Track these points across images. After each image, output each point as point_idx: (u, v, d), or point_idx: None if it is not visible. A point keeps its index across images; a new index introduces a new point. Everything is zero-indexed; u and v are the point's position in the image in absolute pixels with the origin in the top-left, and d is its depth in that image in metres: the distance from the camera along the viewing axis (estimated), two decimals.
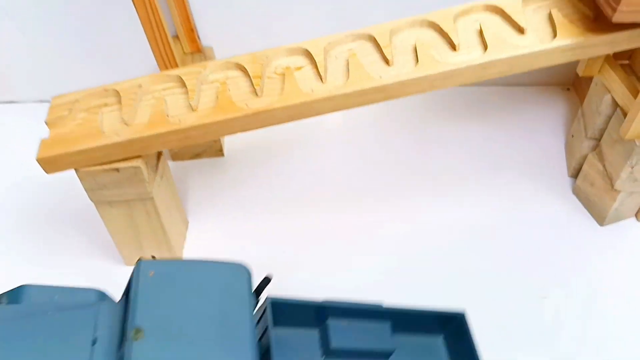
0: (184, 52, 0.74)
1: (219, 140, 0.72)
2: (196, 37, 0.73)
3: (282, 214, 0.67)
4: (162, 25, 0.60)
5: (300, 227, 0.66)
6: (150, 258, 0.61)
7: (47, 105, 0.55)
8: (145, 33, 0.60)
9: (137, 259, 0.40)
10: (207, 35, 0.75)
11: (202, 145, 0.72)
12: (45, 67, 0.78)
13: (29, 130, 0.77)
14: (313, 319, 0.44)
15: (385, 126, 0.76)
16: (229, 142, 0.76)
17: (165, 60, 0.63)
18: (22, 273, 0.61)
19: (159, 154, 0.57)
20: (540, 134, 0.73)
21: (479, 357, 0.44)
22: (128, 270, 0.59)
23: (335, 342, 0.43)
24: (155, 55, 0.63)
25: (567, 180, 0.68)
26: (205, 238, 0.65)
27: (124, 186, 0.53)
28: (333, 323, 0.43)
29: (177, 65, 0.64)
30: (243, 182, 0.71)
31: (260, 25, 0.75)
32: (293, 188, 0.70)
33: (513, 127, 0.75)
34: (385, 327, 0.44)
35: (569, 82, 0.77)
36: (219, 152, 0.73)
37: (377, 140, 0.74)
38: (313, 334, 0.44)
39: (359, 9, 0.73)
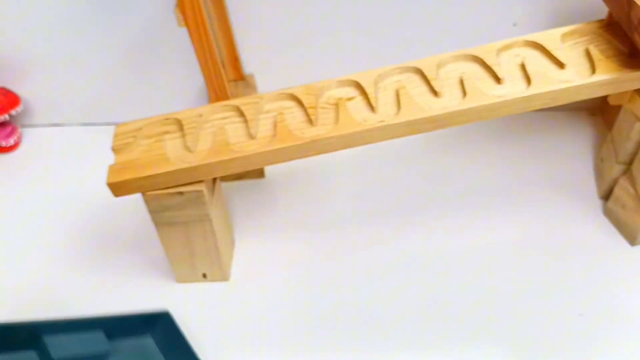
0: (227, 80, 0.78)
1: None
2: (240, 65, 0.77)
3: (321, 234, 0.70)
4: (214, 53, 0.63)
5: (340, 247, 0.68)
6: (202, 276, 0.65)
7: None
8: (199, 61, 0.63)
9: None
10: (248, 62, 0.79)
11: None
12: (90, 91, 0.82)
13: (75, 152, 0.83)
14: (29, 340, 0.49)
15: (417, 150, 0.79)
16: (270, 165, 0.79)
17: (216, 87, 0.66)
18: (78, 287, 0.65)
19: (215, 178, 0.60)
20: (568, 157, 0.76)
21: (192, 351, 0.51)
22: (180, 288, 0.64)
23: (55, 355, 0.48)
24: (207, 82, 0.66)
25: (597, 202, 0.70)
26: (250, 257, 0.68)
27: (186, 208, 0.56)
28: (50, 339, 0.49)
29: (227, 93, 0.67)
30: (283, 203, 0.74)
31: (299, 54, 0.79)
32: (331, 209, 0.73)
33: (541, 150, 0.78)
34: (99, 335, 0.52)
35: (595, 108, 0.81)
36: (260, 174, 0.77)
37: (410, 163, 0.77)
38: (32, 356, 0.49)
39: (389, 43, 0.77)
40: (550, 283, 0.63)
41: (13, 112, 0.77)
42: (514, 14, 0.74)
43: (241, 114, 0.57)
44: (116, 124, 0.58)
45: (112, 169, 0.55)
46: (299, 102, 0.57)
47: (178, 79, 0.79)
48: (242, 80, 0.78)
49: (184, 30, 0.72)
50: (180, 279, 0.65)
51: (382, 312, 0.62)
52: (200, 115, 0.57)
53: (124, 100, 0.82)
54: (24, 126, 0.84)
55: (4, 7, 0.73)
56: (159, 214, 0.57)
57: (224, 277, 0.65)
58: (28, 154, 0.82)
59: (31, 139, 0.84)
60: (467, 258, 0.66)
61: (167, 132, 0.57)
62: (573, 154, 0.77)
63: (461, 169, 0.77)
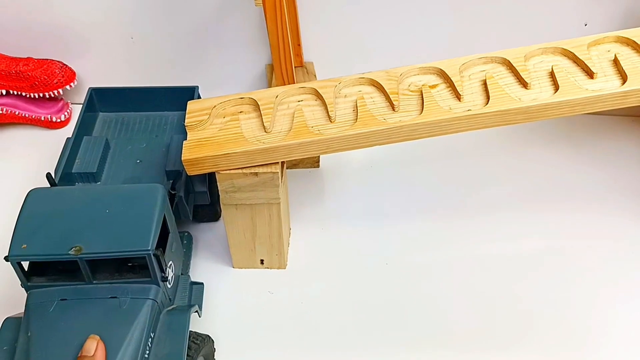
0: None
1: None
2: (301, 52, 0.76)
3: (374, 227, 0.68)
4: (287, 35, 0.62)
5: (391, 242, 0.67)
6: (259, 262, 0.64)
7: None
8: (270, 42, 0.62)
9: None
10: (308, 49, 0.78)
11: None
12: (143, 70, 0.80)
13: None
14: None
15: (471, 148, 0.77)
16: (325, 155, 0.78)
17: (284, 71, 0.65)
18: None
19: (283, 162, 0.59)
20: (621, 162, 0.74)
21: None
22: (235, 272, 0.62)
23: None
24: (274, 65, 0.64)
25: None
26: (305, 246, 0.67)
27: (258, 190, 0.54)
28: None
29: (293, 77, 0.66)
30: (338, 193, 0.73)
31: (358, 43, 0.78)
32: (385, 202, 0.71)
33: (592, 155, 0.75)
34: None
35: None
36: (316, 164, 0.75)
37: (464, 161, 0.76)
38: None
39: (453, 37, 0.76)
40: (610, 288, 0.62)
41: (67, 87, 0.76)
42: (585, 14, 0.74)
43: (318, 96, 0.56)
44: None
45: (187, 146, 0.53)
46: (379, 88, 0.55)
47: (238, 62, 0.77)
48: (301, 66, 0.77)
49: (249, 12, 0.73)
50: (238, 264, 0.64)
51: (434, 310, 0.60)
52: (276, 96, 0.56)
53: (178, 80, 0.80)
54: (73, 103, 0.83)
55: None
56: (229, 195, 0.55)
57: (282, 265, 0.63)
58: None
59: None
60: (521, 262, 0.64)
61: (241, 112, 0.56)
62: (627, 160, 0.75)
63: (517, 169, 0.75)
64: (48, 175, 0.55)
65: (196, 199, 0.62)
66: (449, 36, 0.75)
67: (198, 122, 0.55)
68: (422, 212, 0.70)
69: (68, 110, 0.79)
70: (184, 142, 0.54)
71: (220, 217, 0.68)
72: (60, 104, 0.79)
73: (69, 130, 0.80)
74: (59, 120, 0.78)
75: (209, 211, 0.66)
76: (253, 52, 0.77)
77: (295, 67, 0.77)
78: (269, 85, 0.77)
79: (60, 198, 0.50)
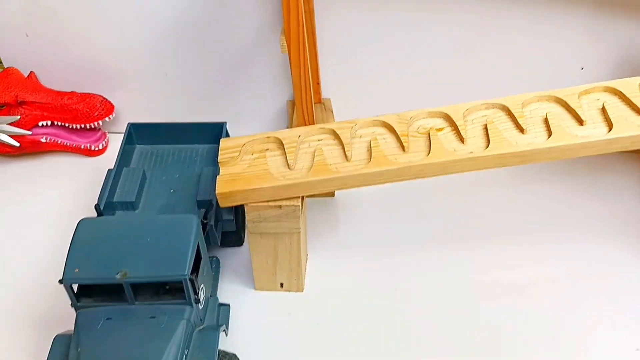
0: None
1: None
2: (320, 90, 0.82)
3: (387, 254, 0.73)
4: (308, 79, 0.68)
5: (404, 269, 0.72)
6: (279, 285, 0.69)
7: None
8: (294, 85, 0.68)
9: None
10: (326, 87, 0.85)
11: None
12: (175, 102, 0.88)
13: None
14: None
15: (484, 181, 0.82)
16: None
17: (305, 110, 0.71)
18: None
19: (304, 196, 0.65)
20: (620, 198, 0.79)
21: None
22: (257, 294, 0.68)
23: None
24: (296, 105, 0.70)
25: None
26: (321, 271, 0.72)
27: (282, 220, 0.61)
28: None
29: (313, 116, 0.72)
30: (351, 222, 0.78)
31: (373, 82, 0.84)
32: (398, 231, 0.76)
33: (592, 191, 0.80)
34: None
35: None
36: (331, 193, 0.81)
37: (477, 193, 0.81)
38: None
39: (459, 80, 0.82)
40: (606, 318, 0.66)
41: (106, 119, 0.83)
42: (582, 58, 0.79)
43: (336, 136, 0.62)
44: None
45: (220, 180, 0.60)
46: (391, 130, 0.62)
47: (261, 98, 0.84)
48: (319, 103, 0.83)
49: (272, 53, 0.80)
50: (260, 286, 0.70)
51: (448, 336, 0.65)
52: (299, 136, 0.62)
53: (207, 112, 0.87)
54: (110, 132, 0.90)
55: (107, 20, 0.79)
56: (256, 224, 0.61)
57: (299, 288, 0.69)
58: (113, 158, 0.84)
59: (117, 143, 0.89)
60: (525, 290, 0.69)
61: (268, 149, 0.62)
62: (626, 195, 0.80)
63: (520, 201, 0.79)
64: (96, 207, 0.61)
65: (224, 227, 0.69)
66: (455, 75, 0.81)
67: (230, 158, 0.62)
68: (430, 240, 0.75)
69: (105, 140, 0.87)
70: (218, 176, 0.60)
71: (243, 242, 0.74)
72: (99, 133, 0.87)
73: (105, 157, 0.88)
74: (97, 148, 0.85)
75: (234, 237, 0.72)
76: (276, 89, 0.84)
77: (314, 103, 0.84)
78: (290, 119, 0.84)
79: (106, 227, 0.57)
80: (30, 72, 0.83)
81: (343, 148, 0.61)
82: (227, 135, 0.78)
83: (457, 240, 0.75)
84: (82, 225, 0.56)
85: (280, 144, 0.62)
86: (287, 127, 0.85)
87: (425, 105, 0.81)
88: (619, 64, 0.79)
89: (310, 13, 0.74)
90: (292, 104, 0.85)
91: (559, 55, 0.79)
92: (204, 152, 0.76)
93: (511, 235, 0.76)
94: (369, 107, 0.84)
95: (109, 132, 0.89)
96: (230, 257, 0.74)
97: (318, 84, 0.81)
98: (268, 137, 0.63)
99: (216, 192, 0.58)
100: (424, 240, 0.76)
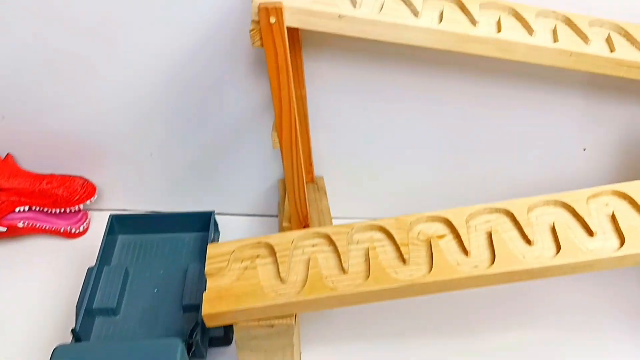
0: None
1: None
2: (313, 170, 0.79)
3: (379, 349, 0.70)
4: (301, 172, 0.65)
5: None
6: None
7: None
8: (286, 176, 0.65)
9: None
10: (319, 165, 0.81)
11: None
12: (159, 181, 0.83)
13: None
14: None
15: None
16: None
17: (297, 199, 0.67)
18: None
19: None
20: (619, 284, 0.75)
21: None
22: None
23: None
24: (288, 194, 0.67)
25: None
26: None
27: (273, 338, 0.57)
28: None
29: (306, 205, 0.68)
30: (345, 317, 0.73)
31: (366, 162, 0.80)
32: (391, 327, 0.72)
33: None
34: None
35: None
36: None
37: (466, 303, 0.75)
38: None
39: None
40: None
41: (88, 202, 0.79)
42: (584, 140, 0.77)
43: (331, 242, 0.59)
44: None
45: (207, 298, 0.55)
46: (390, 236, 0.58)
47: (251, 177, 0.81)
48: (312, 182, 0.80)
49: (262, 135, 0.77)
50: None
51: None
52: (292, 242, 0.59)
53: (194, 191, 0.83)
54: (92, 209, 0.86)
55: (88, 99, 0.75)
56: (245, 341, 0.57)
57: None
58: (95, 238, 0.81)
59: (98, 222, 0.84)
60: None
61: (258, 256, 0.59)
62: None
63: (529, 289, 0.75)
64: (72, 331, 0.57)
65: (210, 333, 0.65)
66: (447, 159, 0.78)
67: (218, 268, 0.58)
68: (430, 333, 0.70)
69: (87, 221, 0.82)
70: (204, 293, 0.56)
71: (232, 341, 0.69)
72: (80, 214, 0.82)
73: (87, 238, 0.83)
74: (77, 231, 0.81)
75: (222, 338, 0.68)
76: (266, 168, 0.81)
77: (306, 182, 0.81)
78: (282, 199, 0.80)
79: (83, 356, 0.52)
80: (7, 154, 0.79)
81: (339, 257, 0.57)
82: (215, 224, 0.75)
83: (459, 334, 0.70)
84: (58, 353, 0.52)
85: (272, 250, 0.58)
86: (278, 206, 0.82)
87: (420, 188, 0.79)
88: (621, 145, 0.76)
89: (302, 99, 0.71)
90: (284, 183, 0.81)
91: (560, 136, 0.76)
92: (190, 241, 0.73)
93: (523, 328, 0.70)
94: (362, 186, 0.82)
95: (90, 210, 0.86)
96: (218, 358, 0.69)
97: (311, 165, 0.77)
98: (259, 242, 0.59)
99: (202, 313, 0.54)
100: (424, 333, 0.71)
